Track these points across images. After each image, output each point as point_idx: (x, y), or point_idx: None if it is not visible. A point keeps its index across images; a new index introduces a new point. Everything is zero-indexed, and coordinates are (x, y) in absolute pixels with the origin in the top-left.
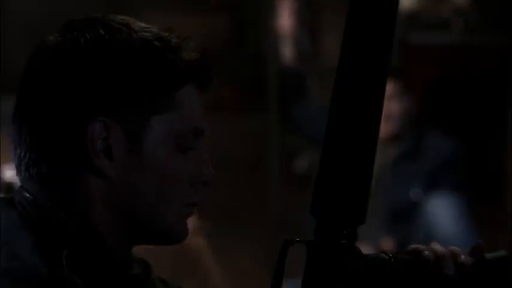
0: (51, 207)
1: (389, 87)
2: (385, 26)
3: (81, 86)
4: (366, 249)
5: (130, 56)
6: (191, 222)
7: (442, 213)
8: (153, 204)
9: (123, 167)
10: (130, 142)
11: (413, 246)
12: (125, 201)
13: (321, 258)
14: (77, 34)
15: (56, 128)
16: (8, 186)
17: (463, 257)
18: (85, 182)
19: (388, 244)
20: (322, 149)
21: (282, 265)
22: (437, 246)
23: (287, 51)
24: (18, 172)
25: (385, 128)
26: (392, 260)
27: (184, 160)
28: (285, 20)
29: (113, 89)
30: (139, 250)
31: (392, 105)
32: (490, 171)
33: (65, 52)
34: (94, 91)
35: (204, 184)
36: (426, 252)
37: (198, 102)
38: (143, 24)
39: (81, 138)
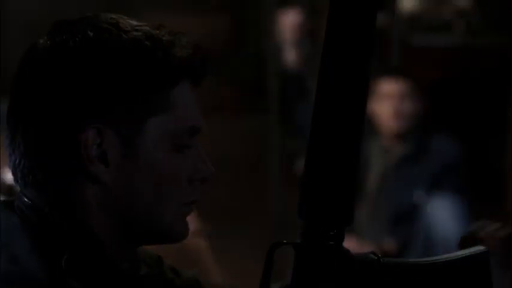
0: (49, 212)
1: (402, 86)
2: (366, 24)
3: (72, 92)
4: (368, 250)
5: (121, 58)
6: (192, 223)
7: (442, 214)
8: (151, 205)
9: (118, 171)
10: (125, 146)
11: None
12: (122, 204)
13: (307, 259)
14: (66, 37)
15: (49, 134)
16: (9, 189)
17: None
18: (80, 187)
19: (390, 245)
20: (307, 151)
21: (270, 267)
22: None
23: (288, 53)
24: (15, 179)
25: (395, 126)
26: (380, 260)
27: (181, 159)
28: (287, 22)
29: (105, 93)
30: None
31: (406, 105)
32: (491, 172)
33: (55, 57)
34: (86, 96)
35: (203, 181)
36: None
37: (193, 99)
38: (134, 22)
39: (74, 145)
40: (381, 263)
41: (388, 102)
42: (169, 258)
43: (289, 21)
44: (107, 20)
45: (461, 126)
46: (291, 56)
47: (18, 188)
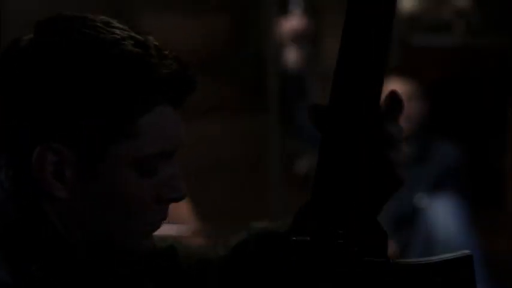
0: (15, 219)
1: (410, 87)
2: (383, 23)
3: (33, 107)
4: None
5: (90, 80)
6: (191, 223)
7: (443, 215)
8: (111, 225)
9: (77, 191)
10: (84, 169)
11: None
12: (81, 221)
13: (316, 257)
14: (44, 41)
15: (10, 142)
16: None
17: None
18: (39, 200)
19: (390, 246)
20: (319, 150)
21: (279, 264)
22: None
23: (288, 53)
24: None
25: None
26: (389, 261)
27: (147, 182)
28: (289, 25)
29: (68, 114)
30: None
31: (412, 106)
32: (491, 172)
33: (26, 64)
34: (47, 114)
35: (173, 201)
36: None
37: (171, 120)
38: (119, 35)
39: (31, 159)
40: (390, 263)
41: None
42: None
43: (291, 24)
44: (91, 28)
45: (461, 126)
46: (291, 56)
47: None
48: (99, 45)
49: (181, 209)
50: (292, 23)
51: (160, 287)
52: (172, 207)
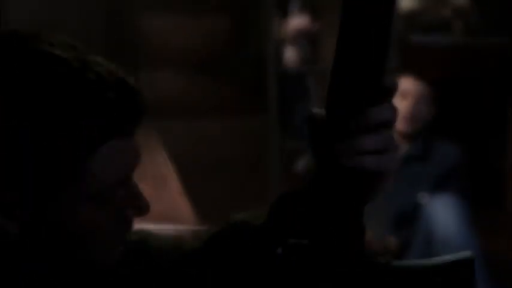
0: None
1: (420, 87)
2: (382, 21)
3: None
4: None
5: (30, 125)
6: (191, 223)
7: (443, 214)
8: (72, 250)
9: (29, 226)
10: (36, 209)
11: None
12: (41, 249)
13: (316, 258)
14: None
15: None
16: None
17: None
18: None
19: (391, 243)
20: (314, 154)
21: (279, 267)
22: None
23: (288, 53)
24: None
25: (406, 127)
26: (389, 263)
27: (107, 209)
28: (292, 21)
29: (9, 162)
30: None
31: (421, 106)
32: (491, 172)
33: None
34: None
35: (136, 216)
36: None
37: (123, 151)
38: (57, 70)
39: None
40: (390, 265)
41: (403, 101)
42: None
43: (296, 23)
44: (32, 56)
45: (461, 126)
46: (290, 55)
47: None
48: (38, 85)
49: (181, 209)
50: (297, 21)
51: (131, 281)
52: (172, 207)
